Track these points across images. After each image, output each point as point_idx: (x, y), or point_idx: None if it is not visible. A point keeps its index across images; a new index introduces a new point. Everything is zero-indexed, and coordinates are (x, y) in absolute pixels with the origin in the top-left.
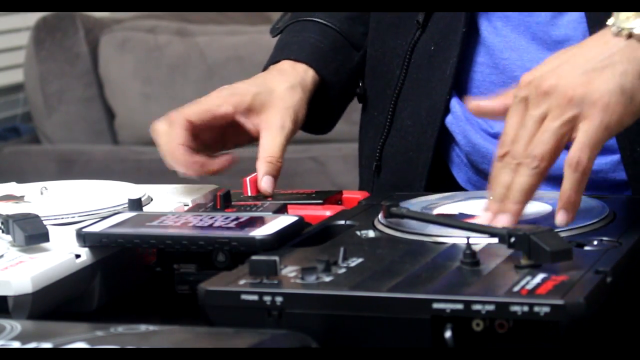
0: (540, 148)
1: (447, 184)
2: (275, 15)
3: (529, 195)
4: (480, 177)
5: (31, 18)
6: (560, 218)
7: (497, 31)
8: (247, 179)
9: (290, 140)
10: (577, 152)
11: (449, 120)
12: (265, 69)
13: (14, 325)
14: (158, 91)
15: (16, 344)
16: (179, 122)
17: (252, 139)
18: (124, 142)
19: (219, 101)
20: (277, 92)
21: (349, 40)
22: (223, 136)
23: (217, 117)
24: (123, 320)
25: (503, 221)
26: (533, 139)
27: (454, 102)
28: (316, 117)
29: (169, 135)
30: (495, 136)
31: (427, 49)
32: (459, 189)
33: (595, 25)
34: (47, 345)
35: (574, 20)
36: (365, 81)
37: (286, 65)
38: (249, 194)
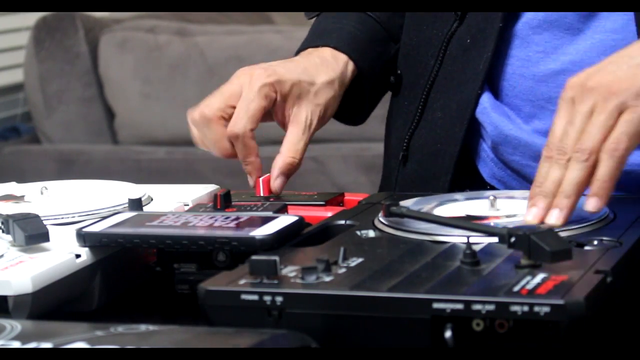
0: (589, 142)
1: (472, 179)
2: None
3: (580, 189)
4: (506, 172)
5: (31, 18)
6: (591, 204)
7: (534, 23)
8: (261, 179)
9: (314, 134)
10: (615, 139)
11: (480, 111)
12: (301, 50)
13: (14, 325)
14: (158, 91)
15: (16, 344)
16: (248, 135)
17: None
18: (124, 142)
19: (267, 92)
20: (315, 85)
21: (387, 31)
22: None
23: (266, 110)
24: (123, 320)
25: (555, 216)
26: (582, 134)
27: (486, 95)
28: (350, 107)
29: (248, 151)
30: (531, 129)
31: (463, 42)
32: (484, 184)
33: None
34: (47, 345)
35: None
36: (399, 69)
37: (327, 53)
38: (262, 194)
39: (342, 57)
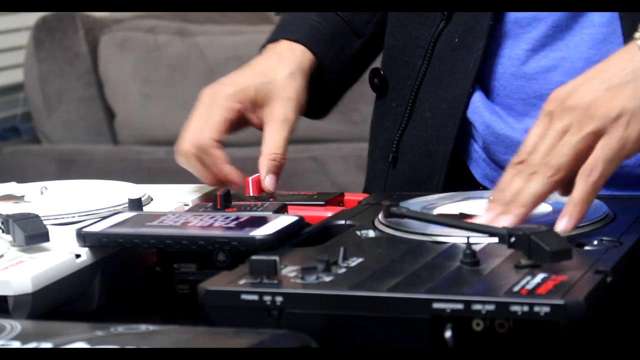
0: (557, 159)
1: (464, 180)
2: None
3: (537, 201)
4: (498, 172)
5: (31, 18)
6: (562, 225)
7: (522, 21)
8: (250, 179)
9: (293, 131)
10: (591, 163)
11: (471, 110)
12: (263, 46)
13: (14, 325)
14: (158, 91)
15: (16, 344)
16: (212, 145)
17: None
18: (124, 142)
19: (229, 104)
20: (277, 82)
21: (350, 26)
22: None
23: (233, 123)
24: (123, 320)
25: (504, 222)
26: (552, 151)
27: (477, 95)
28: (312, 101)
29: (214, 161)
30: (523, 127)
31: (451, 41)
32: (476, 185)
33: (628, 19)
34: (47, 345)
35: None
36: (384, 71)
37: (284, 47)
38: (251, 194)
39: (298, 48)
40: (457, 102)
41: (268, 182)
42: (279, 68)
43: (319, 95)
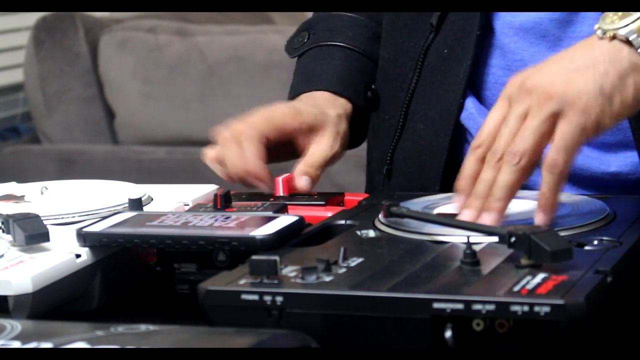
0: (521, 145)
1: None
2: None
3: (512, 192)
4: None
5: (31, 18)
6: (538, 218)
7: (510, 31)
8: (280, 178)
9: (333, 162)
10: (553, 154)
11: (465, 116)
12: (294, 95)
13: (14, 325)
14: (158, 91)
15: (16, 344)
16: (256, 137)
17: (291, 157)
18: (124, 142)
19: (288, 119)
20: (331, 117)
21: (373, 61)
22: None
23: (285, 135)
24: (123, 320)
25: (488, 220)
26: (514, 136)
27: (470, 101)
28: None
29: (247, 150)
30: None
31: (441, 52)
32: None
33: None
34: (47, 345)
35: (588, 17)
36: (377, 84)
37: (327, 96)
38: (281, 194)
39: (340, 99)
40: (448, 112)
41: (305, 181)
42: (330, 108)
43: (354, 130)
